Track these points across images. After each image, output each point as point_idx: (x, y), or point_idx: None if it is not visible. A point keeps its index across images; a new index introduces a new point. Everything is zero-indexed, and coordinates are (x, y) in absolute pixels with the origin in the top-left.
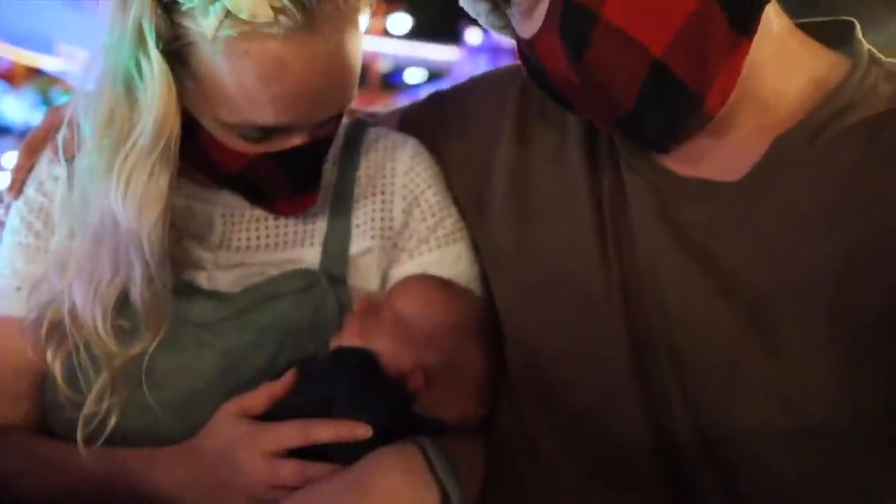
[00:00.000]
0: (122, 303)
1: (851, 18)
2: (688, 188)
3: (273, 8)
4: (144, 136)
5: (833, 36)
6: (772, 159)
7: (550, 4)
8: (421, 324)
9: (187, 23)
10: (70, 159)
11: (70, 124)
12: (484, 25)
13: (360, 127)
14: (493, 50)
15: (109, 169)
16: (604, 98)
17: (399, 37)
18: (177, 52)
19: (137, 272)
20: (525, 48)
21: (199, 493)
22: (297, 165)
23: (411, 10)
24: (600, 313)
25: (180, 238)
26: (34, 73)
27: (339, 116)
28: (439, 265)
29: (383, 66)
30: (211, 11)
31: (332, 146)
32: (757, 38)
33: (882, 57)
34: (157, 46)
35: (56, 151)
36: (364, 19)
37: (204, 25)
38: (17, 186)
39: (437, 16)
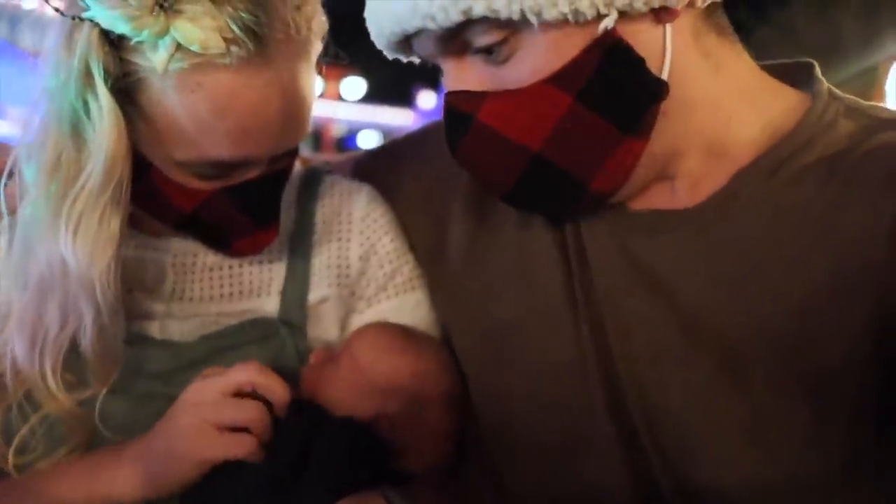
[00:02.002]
0: (69, 352)
1: (811, 60)
2: (643, 221)
3: (225, 39)
4: (94, 178)
5: (794, 76)
6: (730, 192)
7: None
8: (380, 372)
9: (136, 58)
10: (11, 213)
11: (9, 176)
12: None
13: (316, 174)
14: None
15: (57, 214)
16: (484, 184)
17: (353, 101)
18: (126, 89)
19: (88, 321)
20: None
21: (149, 479)
22: (255, 199)
23: (365, 75)
24: (569, 356)
25: (130, 290)
26: None
27: (295, 151)
28: (398, 313)
29: (337, 131)
30: (161, 45)
31: (288, 192)
32: (716, 79)
33: (841, 94)
34: (106, 84)
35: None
36: (316, 50)
37: (154, 60)
38: None
39: (391, 80)
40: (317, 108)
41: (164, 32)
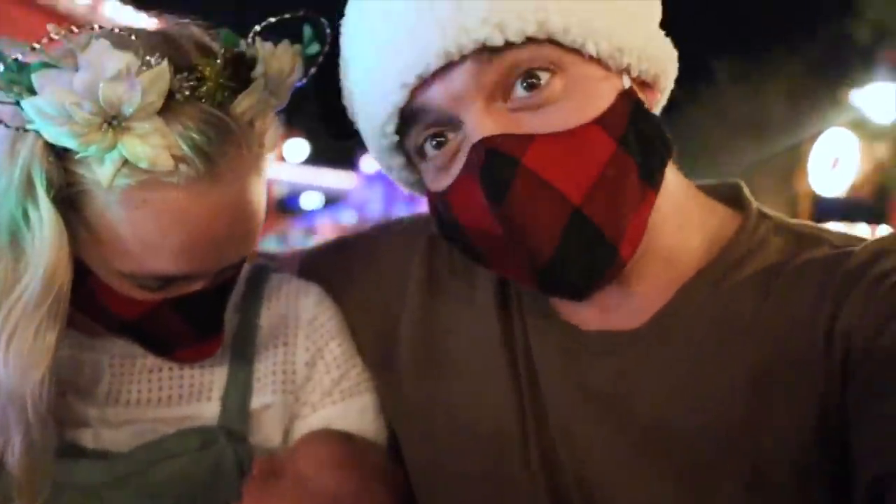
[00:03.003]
0: None
1: (739, 181)
2: (592, 342)
3: (174, 156)
4: (31, 291)
5: (723, 195)
6: (675, 307)
7: (469, 157)
8: (324, 484)
9: (81, 170)
10: None
11: None
12: (395, 180)
13: (262, 273)
14: (387, 179)
15: None
16: (525, 245)
17: (296, 163)
18: (69, 198)
19: (16, 438)
20: (438, 202)
21: None
22: (200, 311)
23: (308, 137)
24: (516, 468)
25: (63, 393)
26: None
27: (242, 262)
28: (344, 419)
29: (280, 191)
30: (107, 160)
31: (233, 293)
32: (663, 199)
33: (769, 212)
34: (48, 194)
35: None
36: (267, 164)
37: (99, 174)
38: None
39: (334, 143)
40: None
41: (111, 148)
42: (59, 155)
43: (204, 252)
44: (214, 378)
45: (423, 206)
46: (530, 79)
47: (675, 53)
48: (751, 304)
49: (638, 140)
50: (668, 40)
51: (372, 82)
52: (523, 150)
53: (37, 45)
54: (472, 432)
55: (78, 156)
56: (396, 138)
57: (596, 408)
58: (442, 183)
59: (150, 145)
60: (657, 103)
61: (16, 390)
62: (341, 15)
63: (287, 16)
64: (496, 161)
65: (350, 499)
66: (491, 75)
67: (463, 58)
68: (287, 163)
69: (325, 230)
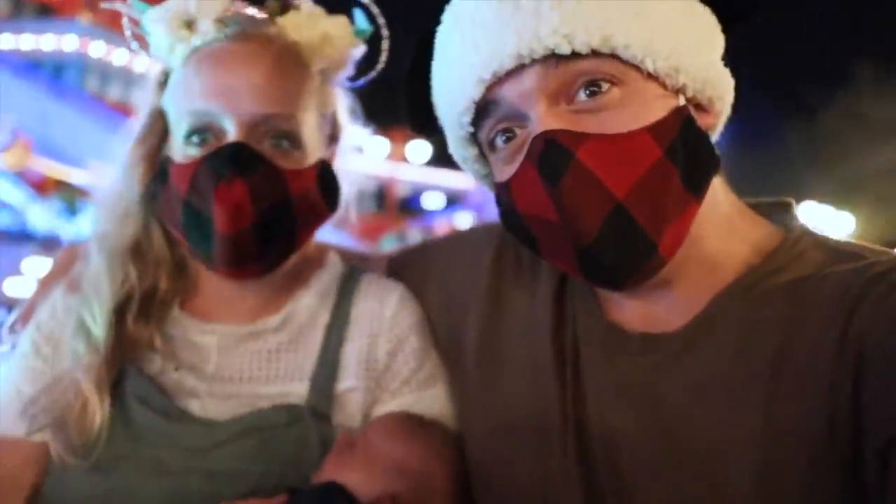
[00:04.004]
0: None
1: (790, 199)
2: (634, 342)
3: (218, 22)
4: (135, 129)
5: (773, 212)
6: (710, 312)
7: (530, 147)
8: (391, 454)
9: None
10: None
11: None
12: (469, 172)
13: (354, 273)
14: None
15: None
16: (572, 227)
17: (418, 164)
18: (162, 84)
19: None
20: (502, 192)
21: None
22: (226, 156)
23: (430, 138)
24: (556, 463)
25: (177, 368)
26: (62, 185)
27: (278, 141)
28: (418, 405)
29: (402, 191)
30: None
31: (328, 288)
32: (709, 210)
33: (812, 230)
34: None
35: (72, 286)
36: (316, 97)
37: (177, 53)
38: (28, 316)
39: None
40: (382, 168)
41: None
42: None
43: (226, 88)
44: (307, 362)
45: None
46: (593, 86)
47: (731, 82)
48: (777, 307)
49: (685, 152)
50: (726, 71)
51: (454, 77)
52: (578, 145)
53: None
54: (521, 418)
55: (166, 59)
56: (472, 129)
57: (630, 403)
58: (507, 173)
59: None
60: (715, 127)
61: (121, 190)
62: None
63: None
64: (554, 150)
65: (413, 469)
66: (557, 79)
67: (534, 61)
68: (410, 163)
69: (443, 231)
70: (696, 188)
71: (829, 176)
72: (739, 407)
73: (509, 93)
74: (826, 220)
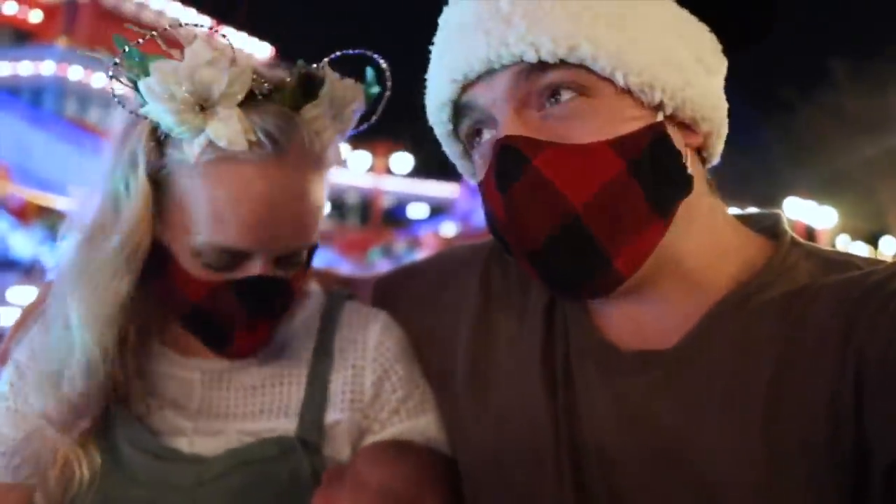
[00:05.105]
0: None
1: (779, 211)
2: (628, 360)
3: (249, 141)
4: (115, 240)
5: (762, 225)
6: (703, 328)
7: (492, 151)
8: (379, 480)
9: (172, 151)
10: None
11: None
12: (459, 168)
13: (337, 301)
14: None
15: (82, 269)
16: (519, 233)
17: (401, 175)
18: (157, 181)
19: (79, 363)
20: (480, 192)
21: None
22: (255, 293)
23: (413, 150)
24: (551, 481)
25: (161, 406)
26: (44, 211)
27: (298, 261)
28: (409, 434)
29: (386, 203)
30: (196, 140)
31: (310, 319)
32: (697, 227)
33: (802, 240)
34: (146, 170)
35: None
36: (328, 177)
37: (188, 151)
38: (6, 352)
39: (438, 155)
40: (366, 181)
41: (201, 129)
42: (158, 142)
43: (265, 227)
44: (293, 396)
45: None
46: (556, 95)
47: (722, 105)
48: (772, 324)
49: (653, 169)
50: (717, 92)
51: (434, 75)
52: (536, 152)
53: (154, 33)
54: (513, 440)
55: (173, 139)
56: (451, 126)
57: (626, 422)
58: (481, 174)
59: (230, 128)
60: (709, 148)
61: (87, 317)
62: (417, 59)
63: (351, 52)
64: (509, 156)
65: (403, 491)
66: (525, 87)
67: (504, 67)
68: (393, 175)
69: (429, 242)
70: (662, 207)
71: (811, 172)
72: (738, 429)
73: (480, 96)
74: (810, 214)
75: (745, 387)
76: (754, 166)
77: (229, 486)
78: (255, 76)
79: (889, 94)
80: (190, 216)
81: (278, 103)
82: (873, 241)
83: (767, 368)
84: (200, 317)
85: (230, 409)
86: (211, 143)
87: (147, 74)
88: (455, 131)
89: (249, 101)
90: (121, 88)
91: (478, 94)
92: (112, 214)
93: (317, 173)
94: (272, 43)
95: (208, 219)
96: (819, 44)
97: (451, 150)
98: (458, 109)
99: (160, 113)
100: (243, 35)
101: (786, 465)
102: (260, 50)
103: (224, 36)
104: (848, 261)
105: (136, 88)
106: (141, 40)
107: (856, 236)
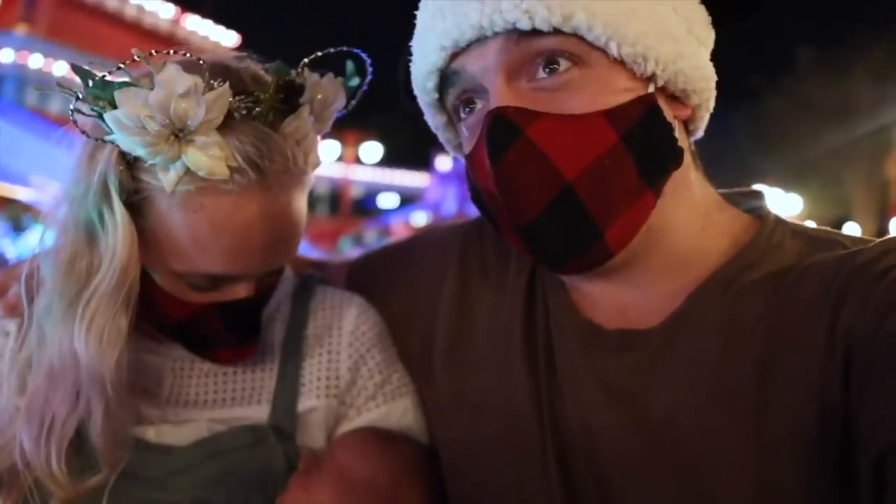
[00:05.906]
0: (77, 441)
1: (760, 188)
2: (611, 339)
3: (229, 167)
4: (107, 282)
5: (745, 202)
6: (688, 308)
7: (483, 121)
8: (360, 471)
9: (147, 178)
10: (20, 315)
11: (27, 281)
12: (442, 141)
13: (309, 285)
14: (461, 177)
15: (71, 311)
16: (510, 205)
17: (371, 164)
18: (135, 205)
19: (97, 411)
20: (467, 165)
21: None
22: (240, 318)
23: (383, 139)
24: (535, 463)
25: (130, 393)
26: (6, 202)
27: (281, 270)
28: (386, 420)
29: (356, 192)
30: (172, 168)
31: (281, 304)
32: (684, 203)
33: (786, 219)
34: (121, 199)
35: (7, 309)
36: (310, 181)
37: (164, 180)
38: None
39: (408, 144)
40: (335, 171)
41: (177, 158)
42: (129, 164)
43: (250, 254)
44: (265, 383)
45: None
46: (551, 64)
47: (711, 77)
48: (759, 303)
49: (644, 141)
50: (707, 65)
51: (421, 43)
52: (529, 122)
53: (122, 65)
54: (494, 421)
55: (147, 164)
56: (436, 96)
57: (612, 402)
58: (469, 145)
59: (209, 156)
60: (695, 120)
61: (96, 368)
62: (385, 49)
63: (332, 50)
64: (501, 127)
65: (385, 484)
66: (518, 55)
67: (495, 34)
68: (363, 164)
69: (399, 231)
70: (652, 180)
71: (777, 160)
72: (726, 409)
73: (471, 64)
74: (776, 202)
75: (732, 367)
76: (721, 154)
77: (199, 478)
78: (231, 97)
79: (854, 83)
80: (170, 243)
81: (256, 120)
82: (837, 227)
83: (755, 348)
84: (184, 332)
85: (200, 396)
86: (189, 171)
87: (114, 106)
88: (440, 101)
89: (227, 122)
90: (82, 117)
91: (467, 62)
92: (88, 248)
93: (299, 188)
94: (238, 30)
95: (190, 248)
96: (785, 32)
97: (434, 120)
98: (446, 78)
99: (130, 144)
100: (208, 23)
101: (775, 446)
102: (226, 38)
103: (199, 60)
104: (834, 239)
105: (102, 118)
106: (108, 74)
107: (821, 223)
